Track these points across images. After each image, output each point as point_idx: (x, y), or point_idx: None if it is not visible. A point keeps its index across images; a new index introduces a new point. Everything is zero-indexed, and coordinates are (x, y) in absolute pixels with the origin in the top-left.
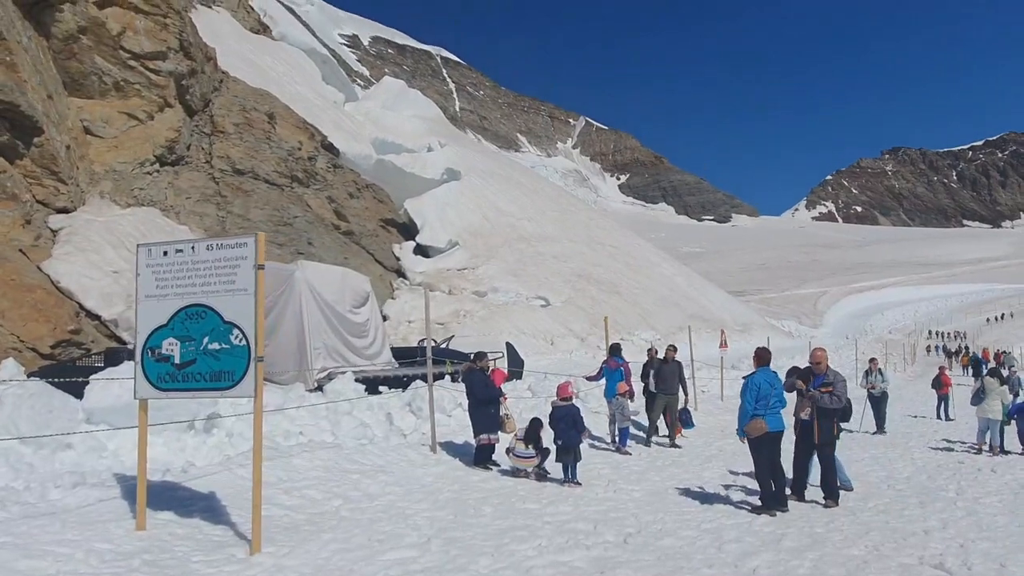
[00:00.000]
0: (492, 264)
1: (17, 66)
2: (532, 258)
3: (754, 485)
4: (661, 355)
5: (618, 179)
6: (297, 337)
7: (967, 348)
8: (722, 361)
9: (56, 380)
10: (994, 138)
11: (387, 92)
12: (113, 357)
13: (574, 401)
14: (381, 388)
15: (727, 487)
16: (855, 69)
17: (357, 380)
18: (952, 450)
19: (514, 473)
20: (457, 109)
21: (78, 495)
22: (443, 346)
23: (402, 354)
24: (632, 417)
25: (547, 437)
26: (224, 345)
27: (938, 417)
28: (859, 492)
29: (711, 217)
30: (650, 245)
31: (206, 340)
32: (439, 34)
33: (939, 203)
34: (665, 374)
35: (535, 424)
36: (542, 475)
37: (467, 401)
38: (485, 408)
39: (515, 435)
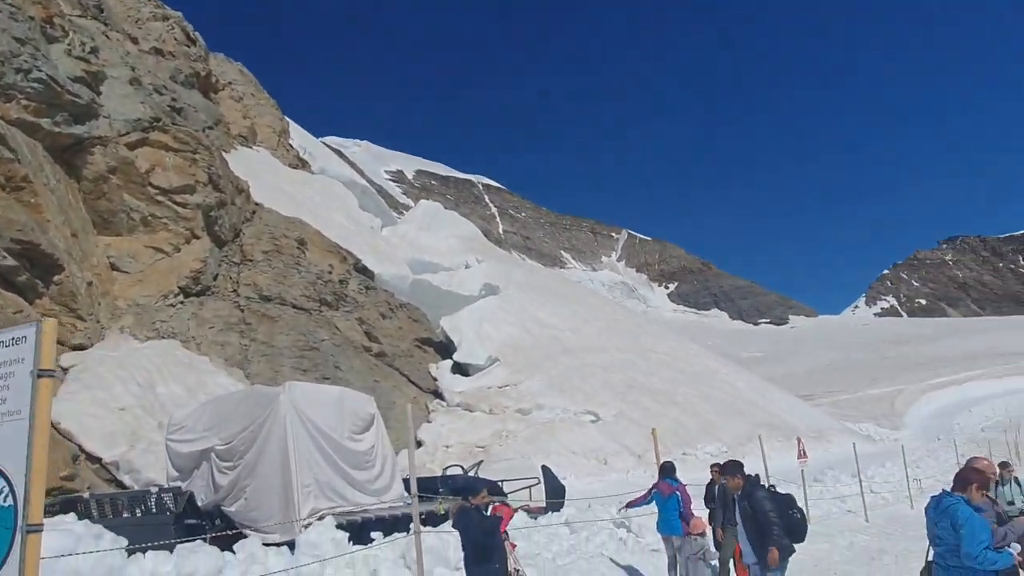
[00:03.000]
0: (535, 379)
1: (41, 207)
2: (578, 371)
3: None
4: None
5: (667, 288)
6: (282, 474)
7: None
8: (803, 475)
9: None
10: None
11: (424, 215)
12: (68, 505)
13: None
14: (374, 535)
15: None
16: (900, 160)
17: (339, 527)
18: None
19: None
20: (501, 232)
21: None
22: (471, 474)
23: (419, 487)
24: (712, 561)
25: None
26: None
27: None
28: None
29: (767, 320)
30: (705, 350)
31: None
32: (479, 163)
33: (1009, 289)
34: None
35: None
36: None
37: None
38: (485, 563)
39: None
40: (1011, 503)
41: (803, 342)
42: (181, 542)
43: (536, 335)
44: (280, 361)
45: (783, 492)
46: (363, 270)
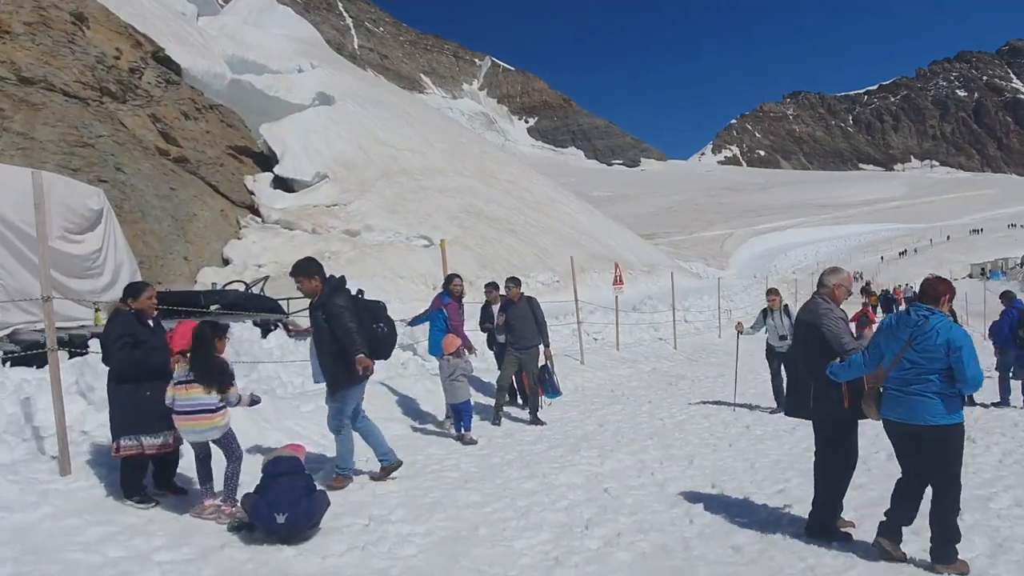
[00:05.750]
0: (367, 199)
1: None
2: (414, 193)
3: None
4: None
5: (526, 122)
6: None
7: (867, 285)
8: (617, 302)
9: None
10: (887, 83)
11: (250, 6)
12: None
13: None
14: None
15: (602, 493)
16: (758, 9)
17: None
18: None
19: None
20: (356, 46)
21: None
22: (254, 290)
23: (180, 301)
24: (464, 376)
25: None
26: None
27: None
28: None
29: (620, 161)
30: (550, 181)
31: None
32: None
33: (836, 147)
34: (515, 319)
35: (208, 335)
36: (241, 523)
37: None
38: (134, 388)
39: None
40: (783, 337)
41: (651, 185)
42: None
43: (372, 153)
44: (42, 156)
45: (373, 300)
46: (165, 60)
